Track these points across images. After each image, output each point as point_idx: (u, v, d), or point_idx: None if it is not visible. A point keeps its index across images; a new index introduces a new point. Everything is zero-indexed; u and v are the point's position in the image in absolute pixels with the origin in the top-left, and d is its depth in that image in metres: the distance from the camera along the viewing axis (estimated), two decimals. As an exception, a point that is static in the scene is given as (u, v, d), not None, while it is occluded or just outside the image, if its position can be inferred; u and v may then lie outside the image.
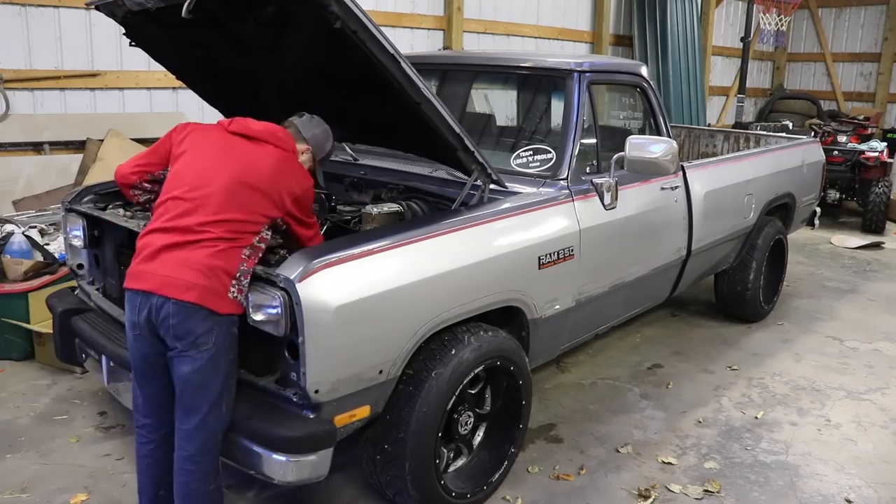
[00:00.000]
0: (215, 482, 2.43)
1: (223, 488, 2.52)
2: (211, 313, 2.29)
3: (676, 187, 4.03)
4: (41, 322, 4.17)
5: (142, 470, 2.58)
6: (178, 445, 2.41)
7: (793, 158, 5.40)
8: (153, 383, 2.46)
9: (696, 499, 3.18)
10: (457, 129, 2.82)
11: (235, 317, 2.37)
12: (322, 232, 3.19)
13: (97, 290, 3.34)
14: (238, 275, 2.34)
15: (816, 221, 6.07)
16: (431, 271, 2.63)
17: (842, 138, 8.83)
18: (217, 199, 2.35)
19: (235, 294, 2.34)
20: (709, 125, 10.48)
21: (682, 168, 4.12)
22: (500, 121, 4.25)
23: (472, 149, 2.92)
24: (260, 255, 2.44)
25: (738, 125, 9.63)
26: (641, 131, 4.23)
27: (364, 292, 2.43)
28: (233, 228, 2.34)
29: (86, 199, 3.39)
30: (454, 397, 2.76)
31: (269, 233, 2.49)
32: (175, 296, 2.26)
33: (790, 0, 10.92)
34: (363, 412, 2.56)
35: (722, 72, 12.00)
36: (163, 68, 3.55)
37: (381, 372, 2.54)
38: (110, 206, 3.38)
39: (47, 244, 4.63)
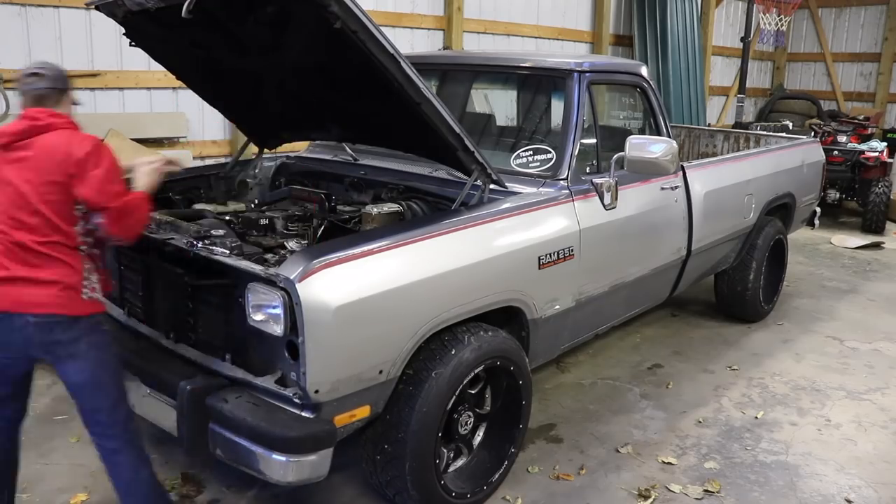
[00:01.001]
0: (146, 468, 2.54)
1: (155, 474, 2.60)
2: (72, 320, 2.32)
3: (676, 187, 4.03)
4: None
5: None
6: (98, 445, 2.49)
7: (793, 158, 5.40)
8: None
9: (696, 499, 3.18)
10: (457, 129, 2.82)
11: (99, 316, 2.42)
12: (320, 232, 3.19)
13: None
14: (85, 276, 2.36)
15: (816, 221, 6.07)
16: (431, 271, 2.63)
17: (842, 138, 8.83)
18: (27, 222, 2.28)
19: (89, 294, 2.37)
20: (709, 125, 10.47)
21: (682, 168, 4.12)
22: (500, 121, 4.24)
23: (472, 149, 2.92)
24: (96, 243, 2.41)
25: (738, 125, 9.63)
26: (641, 131, 4.23)
27: (364, 292, 2.43)
28: (53, 242, 2.30)
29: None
30: (454, 397, 2.76)
31: (87, 220, 2.38)
32: (27, 310, 2.27)
33: (790, 0, 10.92)
34: (363, 412, 2.56)
35: (722, 72, 11.99)
36: (163, 68, 3.55)
37: (381, 372, 2.54)
38: None
39: (47, 244, 4.61)
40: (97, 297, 2.42)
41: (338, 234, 3.16)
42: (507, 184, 3.22)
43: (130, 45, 3.29)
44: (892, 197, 8.43)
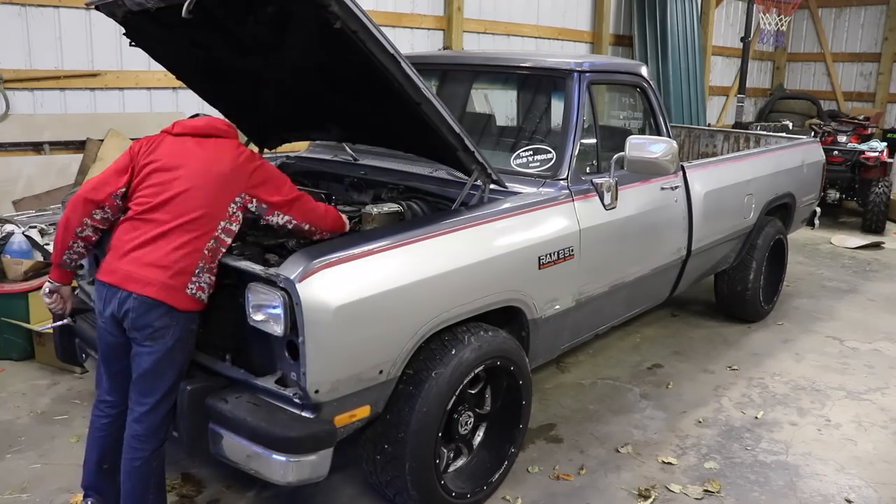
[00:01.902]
0: (157, 461, 2.58)
1: (164, 467, 2.64)
2: (169, 309, 2.42)
3: (676, 187, 4.03)
4: (41, 322, 4.17)
5: (91, 442, 2.74)
6: (128, 425, 2.55)
7: (793, 158, 5.40)
8: (116, 365, 2.63)
9: (696, 499, 3.18)
10: (457, 129, 2.82)
11: (195, 314, 2.50)
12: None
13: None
14: (197, 271, 2.44)
15: (816, 221, 6.07)
16: (431, 271, 2.63)
17: (842, 138, 8.83)
18: (176, 202, 2.46)
19: (194, 291, 2.45)
20: (709, 125, 10.48)
21: (682, 168, 4.12)
22: (500, 121, 4.24)
23: (472, 149, 2.92)
24: (224, 248, 2.52)
25: (738, 125, 9.63)
26: (641, 131, 4.23)
27: (364, 292, 2.43)
28: (192, 227, 2.44)
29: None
30: (454, 397, 2.76)
31: (235, 222, 2.54)
32: (136, 290, 2.41)
33: (790, 0, 10.92)
34: (363, 412, 2.56)
35: (722, 72, 12.00)
36: (163, 68, 3.55)
37: (381, 372, 2.54)
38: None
39: (47, 244, 4.62)
40: (202, 296, 2.48)
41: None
42: (507, 184, 3.22)
43: (130, 45, 3.29)
44: (892, 197, 8.43)
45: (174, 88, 5.89)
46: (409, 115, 2.76)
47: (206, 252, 2.46)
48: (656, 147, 3.27)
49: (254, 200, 2.56)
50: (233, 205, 2.52)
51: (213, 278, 2.51)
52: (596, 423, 3.78)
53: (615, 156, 3.41)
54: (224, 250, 2.53)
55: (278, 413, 2.44)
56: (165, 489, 2.70)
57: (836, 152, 8.48)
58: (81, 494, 2.94)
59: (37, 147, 5.36)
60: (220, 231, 2.49)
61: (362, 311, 2.43)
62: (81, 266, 3.20)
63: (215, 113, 4.00)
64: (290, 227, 2.67)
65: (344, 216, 2.92)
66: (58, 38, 5.32)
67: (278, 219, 2.63)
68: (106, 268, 2.52)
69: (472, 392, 2.97)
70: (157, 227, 2.45)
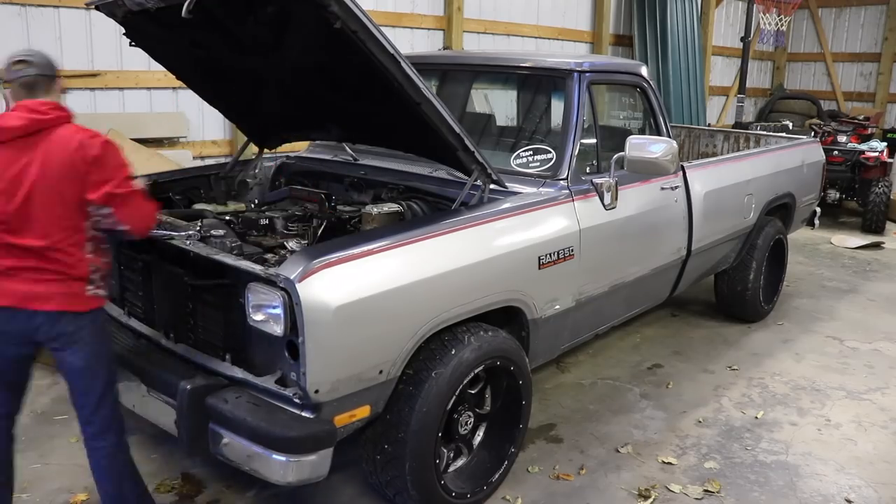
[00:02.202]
0: (123, 454, 2.58)
1: (131, 460, 2.64)
2: (76, 315, 2.39)
3: (676, 187, 4.03)
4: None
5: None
6: (81, 430, 2.55)
7: (793, 158, 5.40)
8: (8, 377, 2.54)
9: (696, 499, 3.18)
10: (457, 129, 2.82)
11: (101, 308, 2.49)
12: (320, 231, 3.19)
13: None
14: (90, 276, 2.41)
15: (816, 221, 6.07)
16: (431, 271, 2.63)
17: (842, 138, 8.83)
18: (33, 223, 2.29)
19: (94, 290, 2.43)
20: (709, 125, 10.47)
21: (682, 168, 4.12)
22: (500, 121, 4.24)
23: (472, 149, 2.92)
24: (104, 242, 2.46)
25: (738, 125, 9.63)
26: (641, 131, 4.23)
27: (364, 292, 2.43)
28: (62, 242, 2.33)
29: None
30: (454, 397, 2.76)
31: (100, 217, 2.38)
32: (39, 307, 2.35)
33: (790, 0, 10.92)
34: (363, 412, 2.56)
35: (722, 72, 12.00)
36: (163, 68, 3.55)
37: (381, 372, 2.54)
38: None
39: (47, 244, 4.61)
40: (101, 293, 2.47)
41: (338, 233, 3.17)
42: (507, 184, 3.22)
43: (130, 45, 3.29)
44: (892, 197, 8.43)
45: (174, 88, 5.88)
46: (409, 115, 2.76)
47: (89, 255, 2.41)
48: (656, 147, 3.27)
49: (103, 203, 2.36)
50: (89, 206, 2.35)
51: (105, 272, 2.47)
52: (596, 423, 3.78)
53: (615, 156, 3.41)
54: (105, 241, 2.47)
55: (278, 413, 2.44)
56: (142, 481, 2.70)
57: (836, 152, 8.48)
58: (83, 495, 2.94)
59: (37, 147, 5.36)
60: (90, 233, 2.40)
61: (362, 311, 2.43)
62: None
63: (215, 113, 4.02)
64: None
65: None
66: (58, 38, 5.31)
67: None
68: None
69: (472, 392, 2.97)
70: (27, 251, 2.32)
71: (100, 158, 2.33)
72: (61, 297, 2.37)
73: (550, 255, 3.13)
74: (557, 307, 3.27)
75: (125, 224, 2.42)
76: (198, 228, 2.86)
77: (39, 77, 2.38)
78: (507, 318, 3.10)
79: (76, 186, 2.32)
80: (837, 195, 8.70)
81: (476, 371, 2.82)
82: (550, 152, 3.44)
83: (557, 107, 3.67)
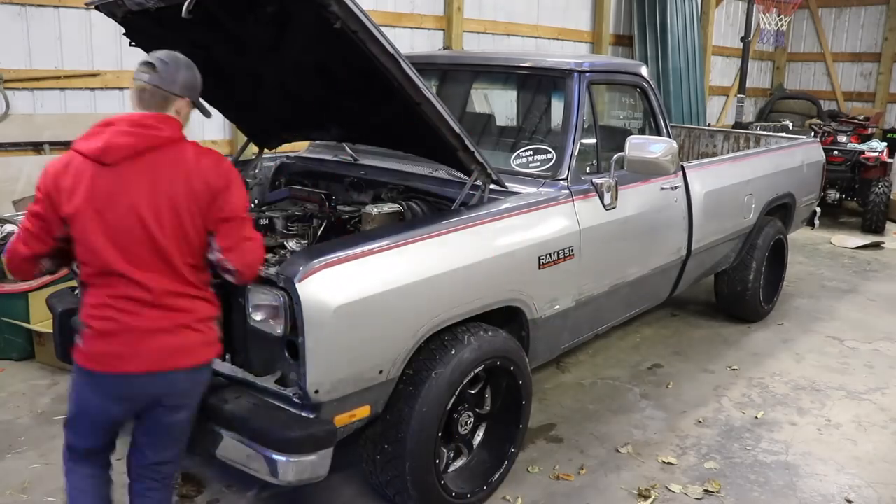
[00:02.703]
0: (168, 491, 2.37)
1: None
2: (197, 370, 2.19)
3: (676, 187, 4.03)
4: (41, 322, 4.17)
5: (71, 487, 2.40)
6: (139, 476, 2.31)
7: (793, 158, 5.40)
8: (105, 434, 2.33)
9: (696, 499, 3.18)
10: (457, 129, 2.82)
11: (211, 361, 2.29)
12: (320, 231, 3.19)
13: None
14: (216, 314, 2.25)
15: (816, 221, 6.07)
16: (431, 271, 2.63)
17: (842, 138, 8.83)
18: (161, 255, 2.05)
19: (211, 339, 2.24)
20: (709, 125, 10.47)
21: (682, 168, 4.12)
22: (500, 121, 4.24)
23: (472, 149, 2.92)
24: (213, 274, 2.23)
25: (738, 125, 9.63)
26: (641, 131, 4.23)
27: (364, 292, 2.43)
28: (192, 276, 2.12)
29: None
30: (454, 397, 2.76)
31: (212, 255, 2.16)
32: (184, 365, 2.12)
33: (790, 0, 10.92)
34: (363, 412, 2.56)
35: (722, 72, 11.99)
36: (163, 68, 3.54)
37: (381, 372, 2.54)
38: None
39: (47, 244, 4.62)
40: (217, 338, 2.25)
41: (338, 233, 3.17)
42: (507, 184, 3.22)
43: (130, 45, 3.28)
44: (892, 197, 8.43)
45: (174, 88, 5.87)
46: (409, 115, 2.76)
47: (210, 290, 2.22)
48: (656, 147, 3.27)
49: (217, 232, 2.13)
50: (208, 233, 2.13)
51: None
52: (596, 423, 3.78)
53: (615, 156, 3.41)
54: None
55: (278, 413, 2.44)
56: None
57: (836, 152, 8.48)
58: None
59: (37, 147, 5.36)
60: (206, 261, 2.17)
61: (362, 311, 2.43)
62: None
63: (215, 113, 4.01)
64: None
65: None
66: (58, 38, 5.31)
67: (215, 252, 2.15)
68: (105, 357, 2.09)
69: (472, 392, 2.97)
70: (148, 293, 2.06)
71: (225, 189, 2.07)
72: (201, 346, 2.14)
73: (550, 255, 3.13)
74: (557, 307, 3.27)
75: (235, 266, 2.13)
76: None
77: (156, 89, 2.13)
78: (507, 318, 3.10)
79: (198, 219, 2.05)
80: (837, 195, 8.70)
81: (476, 371, 2.82)
82: (550, 152, 3.44)
83: (557, 107, 3.67)
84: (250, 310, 2.45)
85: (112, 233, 2.03)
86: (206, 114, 2.42)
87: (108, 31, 5.20)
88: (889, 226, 8.54)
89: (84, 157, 2.07)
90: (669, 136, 3.99)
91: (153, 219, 2.03)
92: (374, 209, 3.11)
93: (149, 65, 2.15)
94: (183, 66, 2.20)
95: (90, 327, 2.09)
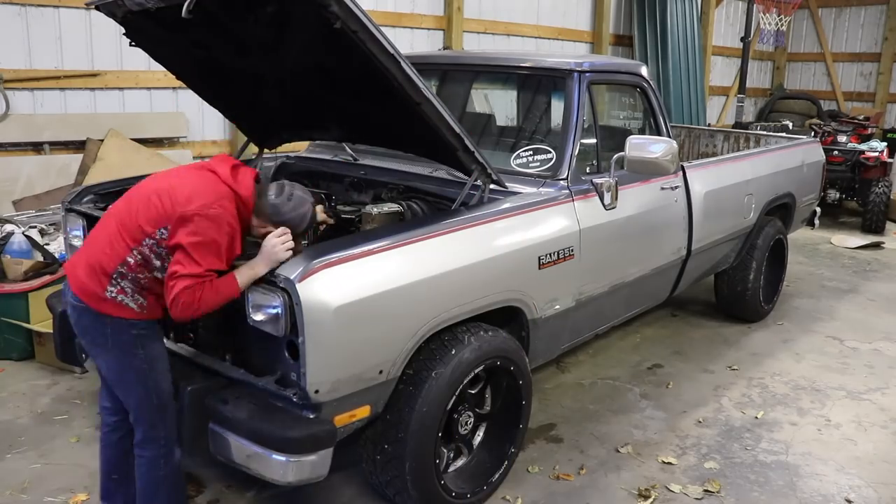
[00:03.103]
0: (165, 469, 2.53)
1: (181, 477, 2.62)
2: (98, 315, 2.37)
3: (676, 187, 4.03)
4: (41, 322, 4.17)
5: (101, 452, 2.75)
6: (134, 435, 2.54)
7: (793, 158, 5.40)
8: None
9: (696, 499, 3.18)
10: (457, 129, 2.82)
11: (129, 320, 2.37)
12: (320, 231, 3.18)
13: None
14: (114, 274, 2.34)
15: (816, 221, 6.07)
16: (431, 271, 2.63)
17: (842, 138, 8.83)
18: (126, 209, 2.41)
19: (115, 294, 2.35)
20: (709, 125, 10.48)
21: (682, 168, 4.12)
22: (500, 121, 4.24)
23: (472, 149, 2.92)
24: (155, 267, 2.34)
25: (738, 125, 9.63)
26: (641, 131, 4.23)
27: (364, 292, 2.43)
28: (126, 230, 2.35)
29: (86, 199, 3.39)
30: (454, 397, 2.76)
31: (161, 260, 2.34)
32: (71, 285, 2.42)
33: (790, 0, 10.92)
34: (363, 412, 2.56)
35: (722, 72, 12.00)
36: (163, 68, 3.55)
37: (381, 372, 2.54)
38: (110, 206, 3.38)
39: (47, 244, 4.63)
40: (125, 301, 2.36)
41: (338, 233, 3.16)
42: (507, 184, 3.22)
43: (130, 45, 3.28)
44: (892, 197, 8.43)
45: (174, 88, 5.89)
46: (409, 115, 2.76)
47: (131, 260, 2.34)
48: (656, 147, 3.27)
49: (166, 243, 2.32)
50: (149, 239, 2.33)
51: (146, 285, 2.37)
52: (596, 423, 3.78)
53: (615, 156, 3.41)
54: (153, 274, 2.36)
55: (278, 413, 2.44)
56: (184, 500, 2.68)
57: (836, 152, 8.48)
58: (83, 495, 2.95)
59: (37, 147, 5.36)
60: (152, 244, 2.32)
61: (362, 311, 2.43)
62: None
63: (215, 113, 4.02)
64: (158, 273, 2.37)
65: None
66: (58, 38, 5.32)
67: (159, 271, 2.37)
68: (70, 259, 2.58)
69: (472, 392, 2.97)
70: (101, 229, 2.45)
71: (188, 220, 2.30)
72: (84, 287, 2.37)
73: (550, 255, 3.13)
74: (557, 307, 3.27)
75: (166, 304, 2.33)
76: None
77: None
78: (507, 318, 3.10)
79: (158, 223, 2.35)
80: (837, 195, 8.70)
81: (476, 371, 2.82)
82: (550, 152, 3.44)
83: (557, 107, 3.67)
84: (250, 310, 2.45)
85: None
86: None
87: (108, 31, 5.22)
88: (889, 226, 8.54)
89: None
90: (669, 136, 3.99)
91: None
92: (374, 209, 3.11)
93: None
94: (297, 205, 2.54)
95: None
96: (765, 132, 6.54)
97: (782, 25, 11.22)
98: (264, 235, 2.44)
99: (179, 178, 2.44)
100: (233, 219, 2.37)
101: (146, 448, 2.51)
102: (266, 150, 4.01)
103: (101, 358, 2.46)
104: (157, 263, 2.35)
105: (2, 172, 5.17)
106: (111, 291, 2.35)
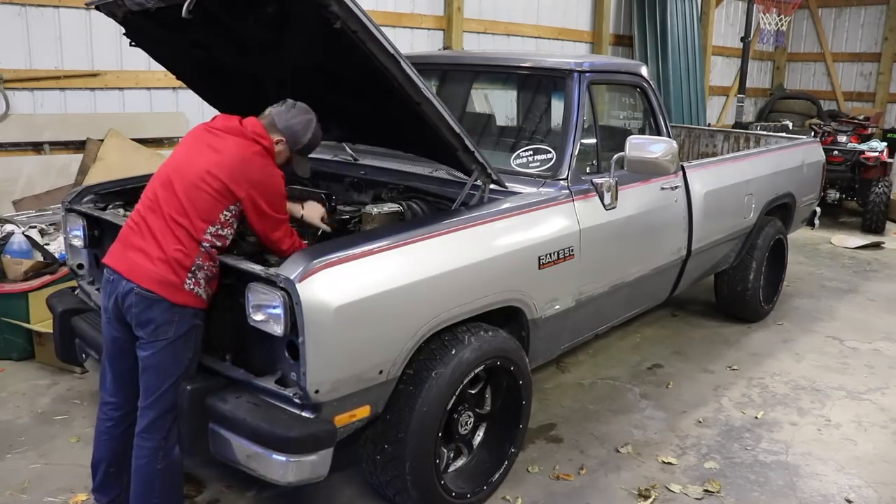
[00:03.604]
0: (163, 462, 2.55)
1: (180, 476, 2.63)
2: (170, 305, 2.44)
3: (676, 187, 4.03)
4: (41, 322, 4.17)
5: (97, 445, 2.77)
6: (138, 423, 2.57)
7: (793, 158, 5.40)
8: (121, 364, 2.64)
9: (696, 499, 3.18)
10: (457, 129, 2.82)
11: (195, 310, 2.50)
12: (320, 231, 3.19)
13: (97, 289, 3.34)
14: (193, 268, 2.46)
15: (816, 221, 6.07)
16: (431, 271, 2.63)
17: (842, 138, 8.83)
18: (173, 202, 2.49)
19: (192, 286, 2.46)
20: (709, 125, 10.48)
21: (682, 168, 4.12)
22: (500, 121, 4.24)
23: (472, 149, 2.92)
24: (221, 246, 2.53)
25: (738, 125, 9.63)
26: (641, 131, 4.23)
27: (364, 292, 2.43)
28: (188, 226, 2.46)
29: (86, 199, 3.39)
30: (454, 397, 2.76)
31: (228, 228, 2.53)
32: (138, 282, 2.44)
33: (790, 0, 10.92)
34: (363, 412, 2.56)
35: (722, 72, 12.00)
36: (163, 68, 3.55)
37: (381, 372, 2.54)
38: (110, 206, 3.38)
39: (47, 244, 4.63)
40: (200, 292, 2.49)
41: (338, 234, 3.16)
42: (507, 184, 3.22)
43: (130, 45, 3.29)
44: (892, 197, 8.43)
45: (174, 88, 5.88)
46: (410, 115, 2.76)
47: (202, 250, 2.47)
48: (656, 147, 3.27)
49: (242, 211, 2.55)
50: (226, 213, 2.51)
51: (212, 274, 2.52)
52: (596, 423, 3.78)
53: (615, 156, 3.41)
54: (219, 250, 2.53)
55: (278, 413, 2.44)
56: (179, 499, 2.68)
57: (836, 152, 8.48)
58: (83, 495, 2.94)
59: (37, 147, 5.36)
60: (209, 235, 2.49)
61: (362, 311, 2.43)
62: None
63: (215, 113, 4.01)
64: (258, 235, 2.67)
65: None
66: (58, 38, 5.32)
67: (255, 225, 2.61)
68: (113, 253, 2.56)
69: (472, 392, 2.97)
70: (161, 219, 2.49)
71: (262, 185, 2.56)
72: (160, 280, 2.42)
73: (550, 255, 3.13)
74: (557, 307, 3.27)
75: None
76: None
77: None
78: (507, 318, 3.10)
79: (226, 190, 2.51)
80: (837, 195, 8.70)
81: (476, 371, 2.82)
82: (550, 152, 3.44)
83: (557, 107, 3.67)
84: (250, 310, 2.45)
85: None
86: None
87: (108, 31, 5.21)
88: (889, 226, 8.55)
89: None
90: (669, 136, 3.99)
91: None
92: (374, 209, 3.11)
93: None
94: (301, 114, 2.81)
95: None
96: (765, 132, 6.54)
97: (782, 25, 11.22)
98: (285, 160, 2.77)
99: (217, 152, 2.52)
100: (276, 168, 2.64)
101: (149, 438, 2.52)
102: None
103: (154, 350, 2.47)
104: (226, 240, 2.54)
105: (2, 172, 5.17)
106: (189, 284, 2.46)
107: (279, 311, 2.34)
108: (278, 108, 2.74)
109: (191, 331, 2.50)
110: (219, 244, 2.52)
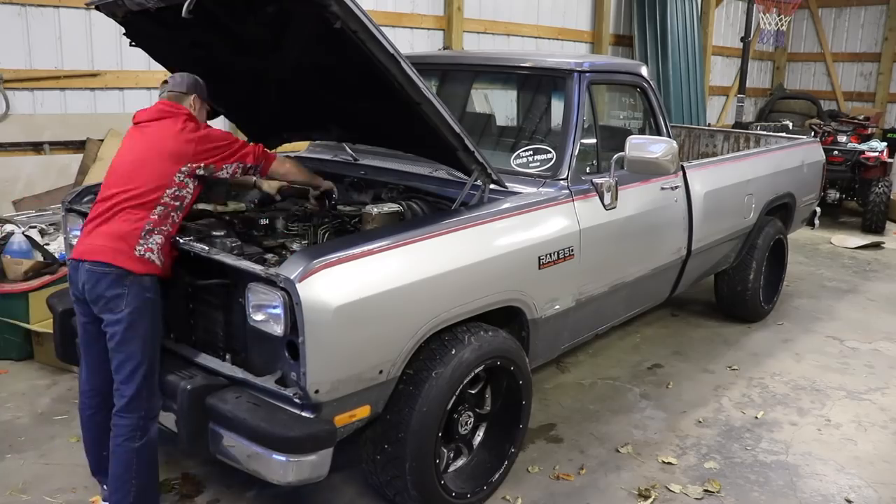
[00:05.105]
0: (140, 442, 2.59)
1: (156, 455, 2.66)
2: (118, 276, 2.50)
3: (676, 187, 4.03)
4: (41, 322, 4.17)
5: (84, 434, 2.86)
6: (115, 405, 2.61)
7: (793, 158, 5.40)
8: (93, 348, 2.71)
9: (696, 499, 3.18)
10: (457, 129, 2.82)
11: (147, 278, 2.56)
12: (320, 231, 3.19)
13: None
14: (143, 233, 2.56)
15: (816, 221, 6.07)
16: (431, 271, 2.63)
17: (842, 138, 8.83)
18: (121, 178, 2.64)
19: (143, 252, 2.55)
20: (709, 125, 10.47)
21: (682, 168, 4.12)
22: (500, 121, 4.24)
23: (472, 149, 2.92)
24: (175, 210, 2.65)
25: (738, 125, 9.63)
26: (641, 131, 4.23)
27: (364, 292, 2.43)
28: (135, 195, 2.58)
29: (86, 199, 3.38)
30: (454, 397, 2.76)
31: (184, 188, 2.67)
32: (89, 258, 2.53)
33: (790, 0, 10.92)
34: (363, 412, 2.56)
35: (722, 72, 12.00)
36: (163, 68, 3.55)
37: (381, 372, 2.54)
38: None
39: (47, 244, 4.62)
40: (153, 258, 2.57)
41: (338, 234, 3.16)
42: (507, 184, 3.22)
43: (130, 45, 3.29)
44: (892, 197, 8.43)
45: (174, 88, 5.87)
46: (410, 115, 2.76)
47: (153, 217, 2.58)
48: (656, 147, 3.27)
49: (201, 166, 2.70)
50: (179, 174, 2.64)
51: (162, 240, 2.61)
52: (596, 423, 3.78)
53: (615, 156, 3.41)
54: (177, 213, 2.66)
55: (278, 413, 2.44)
56: (154, 482, 2.69)
57: (836, 152, 8.48)
58: (82, 494, 2.94)
59: (37, 147, 5.36)
60: (167, 198, 2.61)
61: (362, 311, 2.43)
62: None
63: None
64: (238, 174, 2.85)
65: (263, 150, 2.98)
66: (58, 38, 5.32)
67: (225, 172, 2.79)
68: (75, 246, 2.67)
69: (472, 392, 2.97)
70: (108, 204, 2.60)
71: (200, 142, 2.74)
72: (108, 249, 2.50)
73: (550, 255, 3.13)
74: (557, 307, 3.27)
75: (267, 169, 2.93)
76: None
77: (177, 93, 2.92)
78: (507, 318, 3.10)
79: (171, 158, 2.69)
80: (837, 195, 8.70)
81: (476, 371, 2.82)
82: (550, 152, 3.44)
83: (557, 107, 3.67)
84: (250, 310, 2.45)
85: None
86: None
87: (108, 31, 5.21)
88: (889, 226, 8.55)
89: None
90: (669, 136, 3.99)
91: None
92: (374, 209, 3.11)
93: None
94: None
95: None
96: (765, 132, 6.54)
97: (782, 25, 11.22)
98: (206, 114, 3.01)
99: (153, 136, 2.73)
100: (204, 124, 2.86)
101: (126, 416, 2.56)
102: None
103: (115, 330, 2.53)
104: (184, 199, 2.68)
105: (2, 172, 5.17)
106: (139, 249, 2.54)
107: (279, 311, 2.34)
108: (170, 83, 2.93)
109: (144, 304, 2.54)
110: (177, 203, 2.65)
